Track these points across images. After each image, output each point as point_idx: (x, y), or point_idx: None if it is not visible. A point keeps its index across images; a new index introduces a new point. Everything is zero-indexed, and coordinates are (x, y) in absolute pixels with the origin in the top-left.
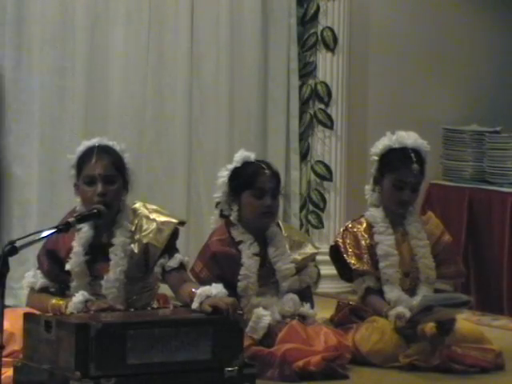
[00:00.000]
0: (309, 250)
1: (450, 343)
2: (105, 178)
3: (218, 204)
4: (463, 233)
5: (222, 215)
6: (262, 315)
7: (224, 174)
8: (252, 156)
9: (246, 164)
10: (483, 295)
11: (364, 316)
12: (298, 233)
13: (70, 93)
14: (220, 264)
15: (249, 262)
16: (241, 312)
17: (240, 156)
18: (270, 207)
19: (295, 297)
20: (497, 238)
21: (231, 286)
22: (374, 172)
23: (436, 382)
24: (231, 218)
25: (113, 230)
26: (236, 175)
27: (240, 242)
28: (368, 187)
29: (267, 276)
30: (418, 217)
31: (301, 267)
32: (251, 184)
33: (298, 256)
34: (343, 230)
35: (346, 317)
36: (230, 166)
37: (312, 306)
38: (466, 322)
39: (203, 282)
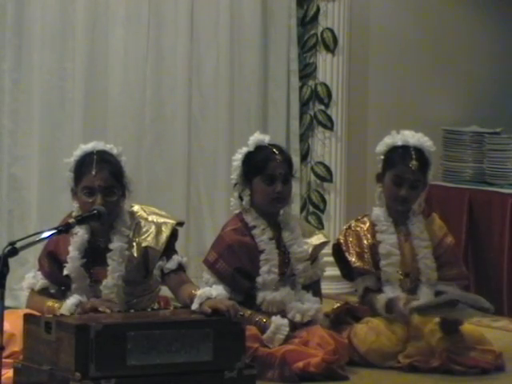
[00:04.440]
0: (321, 238)
1: (450, 344)
2: (104, 189)
3: (235, 185)
4: (463, 234)
5: (240, 197)
6: (281, 325)
7: (238, 158)
8: (266, 139)
9: (258, 148)
10: (483, 296)
11: (360, 317)
12: (307, 224)
13: (69, 93)
14: (237, 254)
15: (268, 248)
16: (241, 314)
17: (253, 140)
18: (281, 193)
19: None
20: (497, 239)
21: (250, 277)
22: (379, 170)
23: (436, 383)
24: (243, 203)
25: (110, 234)
26: (248, 160)
27: (253, 227)
28: (378, 189)
29: (283, 264)
30: (421, 217)
31: (313, 256)
32: (262, 170)
33: (310, 242)
34: (346, 229)
35: (342, 316)
36: (244, 150)
37: (321, 301)
38: (466, 323)
39: (218, 272)
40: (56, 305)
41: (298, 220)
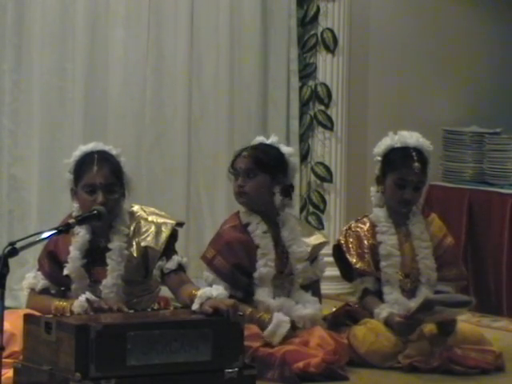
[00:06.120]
0: (320, 238)
1: (450, 344)
2: (105, 187)
3: None
4: (463, 234)
5: None
6: (282, 321)
7: None
8: (259, 139)
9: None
10: (483, 296)
11: (359, 319)
12: (307, 224)
13: (69, 93)
14: (235, 251)
15: (263, 242)
16: (241, 313)
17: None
18: (241, 187)
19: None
20: (496, 240)
21: (248, 274)
22: (377, 172)
23: (436, 383)
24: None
25: (109, 234)
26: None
27: (248, 224)
28: (373, 188)
29: (281, 262)
30: (421, 217)
31: (312, 256)
32: (231, 164)
33: (309, 242)
34: (346, 230)
35: (341, 318)
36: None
37: (320, 301)
38: (465, 323)
39: (216, 269)
40: (65, 304)
41: (298, 220)
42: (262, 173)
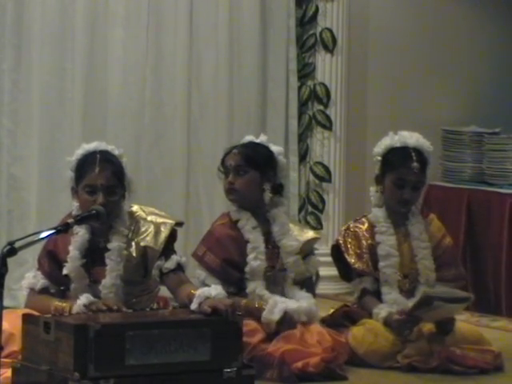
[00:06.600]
0: (311, 234)
1: (449, 344)
2: (106, 188)
3: None
4: (462, 234)
5: None
6: (279, 301)
7: None
8: (249, 138)
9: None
10: (481, 296)
11: (357, 320)
12: (297, 222)
13: (69, 93)
14: (225, 247)
15: (253, 236)
16: (240, 313)
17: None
18: (232, 184)
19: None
20: (495, 239)
21: (239, 269)
22: (376, 172)
23: (435, 383)
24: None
25: (109, 234)
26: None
27: (238, 222)
28: (372, 188)
29: (272, 257)
30: (420, 218)
31: (304, 252)
32: (221, 162)
33: (300, 238)
34: (345, 230)
35: (339, 319)
36: None
37: (314, 297)
38: (464, 323)
39: (207, 265)
40: (64, 304)
41: (288, 217)
42: (252, 170)
